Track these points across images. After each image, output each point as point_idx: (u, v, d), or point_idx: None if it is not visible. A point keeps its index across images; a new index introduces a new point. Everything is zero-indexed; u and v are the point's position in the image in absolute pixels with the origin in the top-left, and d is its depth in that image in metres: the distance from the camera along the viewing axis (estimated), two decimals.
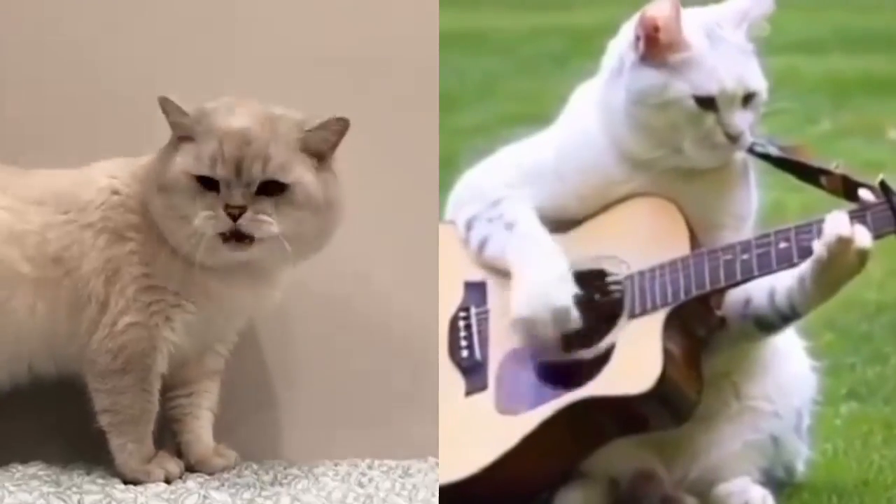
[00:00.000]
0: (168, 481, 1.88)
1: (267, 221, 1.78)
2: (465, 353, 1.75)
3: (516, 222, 1.75)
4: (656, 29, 1.67)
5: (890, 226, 1.64)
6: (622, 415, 1.65)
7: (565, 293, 1.70)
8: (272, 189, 1.78)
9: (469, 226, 1.78)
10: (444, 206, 1.84)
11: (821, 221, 1.64)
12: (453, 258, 1.79)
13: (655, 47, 1.67)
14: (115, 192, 1.89)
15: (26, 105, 2.10)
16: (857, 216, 1.64)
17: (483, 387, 1.72)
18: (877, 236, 1.63)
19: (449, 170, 1.89)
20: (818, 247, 1.62)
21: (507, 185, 1.78)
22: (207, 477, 1.93)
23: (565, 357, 1.70)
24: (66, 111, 2.10)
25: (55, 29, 2.10)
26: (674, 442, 1.73)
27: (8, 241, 1.86)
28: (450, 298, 1.78)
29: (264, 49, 2.06)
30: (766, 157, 1.74)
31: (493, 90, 3.32)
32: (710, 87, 1.67)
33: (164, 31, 2.09)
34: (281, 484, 1.88)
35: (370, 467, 1.98)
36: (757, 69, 1.69)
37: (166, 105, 1.82)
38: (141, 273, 1.86)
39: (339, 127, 1.81)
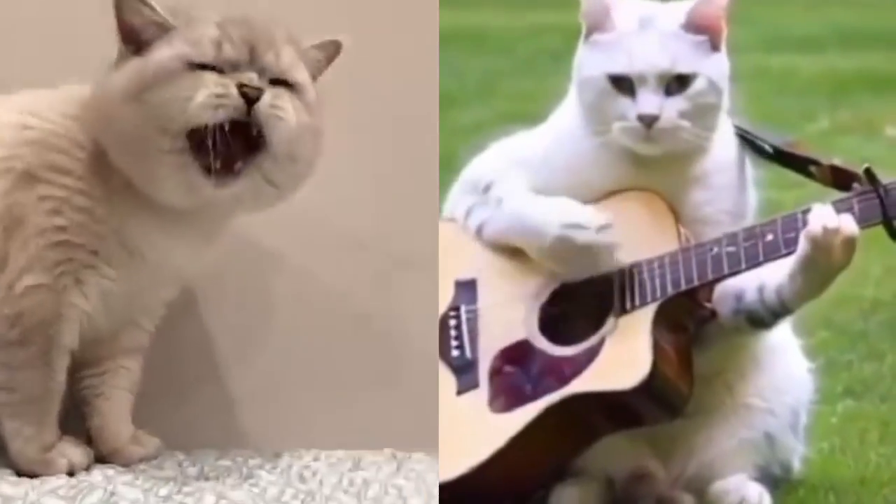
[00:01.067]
0: (72, 473, 1.60)
1: (286, 109, 1.52)
2: (455, 353, 1.75)
3: (508, 195, 1.75)
4: (597, 8, 1.68)
5: (877, 216, 1.63)
6: (613, 410, 1.66)
7: (588, 210, 1.69)
8: (279, 85, 1.56)
9: (468, 213, 1.79)
10: (443, 206, 1.84)
11: (807, 212, 1.63)
12: (445, 257, 1.79)
13: (591, 26, 1.69)
14: (27, 127, 1.59)
15: None
16: (843, 206, 1.63)
17: (474, 385, 1.72)
18: (864, 226, 1.62)
19: (448, 168, 1.89)
20: (803, 239, 1.62)
21: (495, 170, 1.78)
22: (120, 469, 1.65)
23: (554, 352, 1.71)
24: None
25: None
26: (669, 439, 1.74)
27: None
28: (441, 298, 1.78)
29: None
30: (758, 150, 1.74)
31: (492, 89, 3.32)
32: (622, 66, 1.67)
33: None
34: (207, 478, 1.62)
35: (315, 459, 1.76)
36: (694, 56, 1.67)
37: (126, 2, 1.53)
38: (51, 225, 1.56)
39: (333, 49, 1.66)
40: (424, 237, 1.85)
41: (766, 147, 1.74)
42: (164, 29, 1.55)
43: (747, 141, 1.75)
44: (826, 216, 1.61)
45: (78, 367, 1.70)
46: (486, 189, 1.77)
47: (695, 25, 1.68)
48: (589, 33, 1.70)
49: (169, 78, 1.52)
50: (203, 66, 1.52)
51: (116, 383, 1.74)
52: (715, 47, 1.69)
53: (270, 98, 1.52)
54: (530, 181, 1.76)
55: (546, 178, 1.75)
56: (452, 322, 1.77)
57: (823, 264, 1.62)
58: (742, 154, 1.76)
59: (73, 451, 1.64)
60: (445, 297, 1.78)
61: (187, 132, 1.53)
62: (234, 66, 1.53)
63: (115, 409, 1.74)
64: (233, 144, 1.54)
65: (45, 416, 1.62)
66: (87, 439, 1.72)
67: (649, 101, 1.67)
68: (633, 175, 1.72)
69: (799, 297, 1.66)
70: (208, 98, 1.49)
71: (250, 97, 1.51)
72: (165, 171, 1.54)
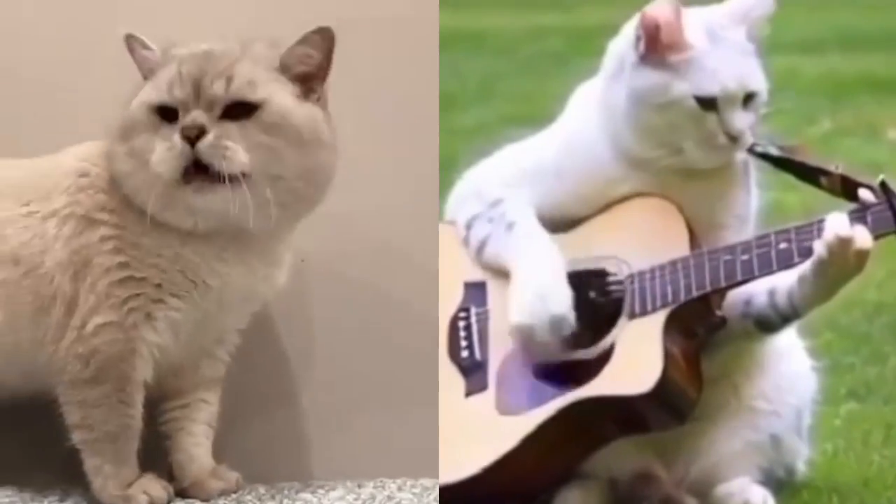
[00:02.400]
0: None
1: (231, 147, 1.55)
2: (465, 354, 1.75)
3: (516, 223, 1.74)
4: (657, 28, 1.66)
5: (890, 226, 1.64)
6: (623, 415, 1.65)
7: (563, 300, 1.69)
8: (239, 113, 1.58)
9: (469, 225, 1.78)
10: (443, 207, 1.84)
11: (821, 222, 1.64)
12: (453, 258, 1.79)
13: (656, 47, 1.67)
14: (84, 175, 1.67)
15: None
16: (856, 216, 1.64)
17: (483, 387, 1.72)
18: (876, 236, 1.63)
19: (448, 170, 1.89)
20: (818, 247, 1.62)
21: (506, 184, 1.77)
22: (200, 503, 1.72)
23: (565, 357, 1.70)
24: (28, 97, 1.94)
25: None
26: (673, 442, 1.73)
27: None
28: (450, 299, 1.78)
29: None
30: (766, 156, 1.73)
31: (493, 90, 3.32)
32: (711, 88, 1.66)
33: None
34: None
35: (400, 489, 1.80)
36: (758, 69, 1.69)
37: (132, 42, 1.64)
38: (115, 263, 1.63)
39: (322, 40, 1.63)
40: (424, 238, 1.84)
41: (774, 153, 1.73)
42: (152, 68, 1.65)
43: (754, 146, 1.74)
44: (841, 226, 1.62)
45: (157, 402, 1.74)
46: (494, 204, 1.77)
47: (752, 35, 1.68)
48: (650, 55, 1.67)
49: (136, 126, 1.61)
50: (162, 109, 1.60)
51: (196, 417, 1.77)
52: (759, 53, 1.69)
53: (212, 138, 1.56)
54: (540, 194, 1.75)
55: (555, 186, 1.75)
56: (462, 323, 1.76)
57: (836, 272, 1.63)
58: (746, 157, 1.75)
59: (153, 487, 1.68)
60: (454, 298, 1.77)
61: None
62: (184, 106, 1.58)
63: (195, 443, 1.77)
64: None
65: (123, 452, 1.67)
66: (169, 474, 1.76)
67: (738, 119, 1.67)
68: (646, 180, 1.71)
69: (809, 302, 1.67)
70: (160, 154, 1.57)
71: (189, 138, 1.56)
72: (162, 204, 1.60)
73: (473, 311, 1.77)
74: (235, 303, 1.71)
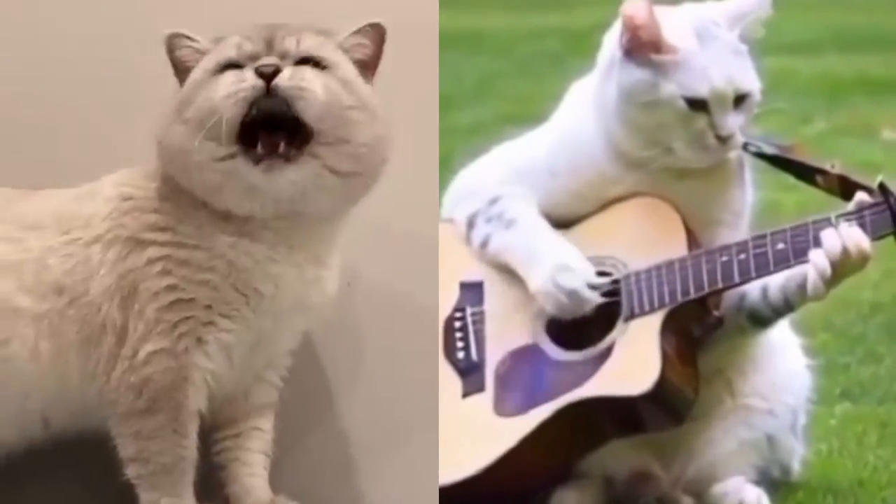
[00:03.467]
0: None
1: (308, 84, 1.52)
2: (461, 355, 1.75)
3: (516, 220, 1.75)
4: (637, 26, 1.66)
5: (888, 227, 1.64)
6: (620, 415, 1.66)
7: (580, 276, 1.69)
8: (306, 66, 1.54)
9: (470, 224, 1.78)
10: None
11: (817, 222, 1.64)
12: (448, 257, 1.79)
13: (638, 44, 1.66)
14: (127, 198, 1.63)
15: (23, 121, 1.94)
16: (855, 218, 1.64)
17: (480, 388, 1.72)
18: (875, 238, 1.63)
19: (445, 169, 1.89)
20: (820, 259, 1.62)
21: (501, 182, 1.77)
22: None
23: (562, 357, 1.71)
24: (68, 122, 1.93)
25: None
26: (670, 441, 1.74)
27: (2, 274, 1.60)
28: (445, 299, 1.78)
29: None
30: (761, 155, 1.74)
31: (490, 90, 3.32)
32: (700, 89, 1.66)
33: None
34: None
35: None
36: (750, 70, 1.68)
37: (176, 40, 1.60)
38: (163, 286, 1.58)
39: (376, 33, 1.62)
40: (424, 238, 1.84)
41: (770, 151, 1.73)
42: (204, 55, 1.60)
43: (748, 144, 1.75)
44: (849, 235, 1.62)
45: (211, 432, 1.69)
46: (492, 202, 1.77)
47: (743, 36, 1.68)
48: (633, 51, 1.67)
49: (197, 88, 1.56)
50: (226, 67, 1.55)
51: (251, 446, 1.72)
52: (751, 54, 1.69)
53: (290, 73, 1.53)
54: (535, 192, 1.75)
55: (550, 184, 1.75)
56: (458, 324, 1.77)
57: (838, 274, 1.63)
58: (741, 153, 1.75)
59: None
60: (449, 298, 1.78)
61: (235, 136, 1.55)
62: (254, 58, 1.55)
63: (251, 473, 1.71)
64: (277, 135, 1.55)
65: (180, 485, 1.61)
66: None
67: (728, 120, 1.66)
68: (641, 180, 1.71)
69: (805, 297, 1.66)
70: (226, 89, 1.52)
71: (265, 74, 1.52)
72: (220, 177, 1.55)
73: (469, 311, 1.77)
74: (288, 313, 1.65)
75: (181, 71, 1.62)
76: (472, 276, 1.77)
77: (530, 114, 1.85)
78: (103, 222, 1.62)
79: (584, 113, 1.74)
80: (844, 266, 1.62)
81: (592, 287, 1.68)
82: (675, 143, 1.68)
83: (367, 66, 1.63)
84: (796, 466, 1.80)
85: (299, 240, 1.62)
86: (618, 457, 1.73)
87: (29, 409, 1.62)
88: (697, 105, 1.66)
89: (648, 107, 1.67)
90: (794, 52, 3.42)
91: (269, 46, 1.55)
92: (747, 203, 1.76)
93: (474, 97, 3.20)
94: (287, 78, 1.53)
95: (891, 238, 1.66)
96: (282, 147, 1.54)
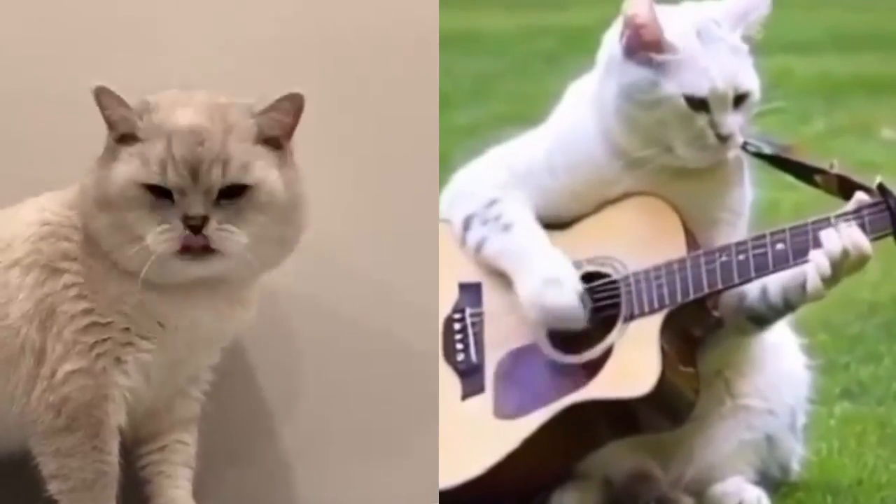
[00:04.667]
0: None
1: (234, 233, 1.57)
2: (460, 356, 1.75)
3: (513, 224, 1.74)
4: (638, 25, 1.66)
5: (887, 227, 1.64)
6: (620, 417, 1.66)
7: (568, 292, 1.69)
8: (232, 194, 1.59)
9: (466, 226, 1.78)
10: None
11: (816, 222, 1.64)
12: (447, 259, 1.79)
13: (639, 43, 1.66)
14: (45, 223, 1.65)
15: None
16: (854, 218, 1.64)
17: (480, 390, 1.72)
18: (874, 238, 1.63)
19: (443, 169, 1.89)
20: (821, 260, 1.62)
21: (499, 185, 1.77)
22: None
23: (563, 359, 1.70)
24: None
25: None
26: (670, 442, 1.73)
27: None
28: (444, 300, 1.78)
29: (265, 46, 2.05)
30: (760, 155, 1.74)
31: (487, 90, 3.32)
32: (701, 88, 1.66)
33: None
34: None
35: None
36: (750, 70, 1.68)
37: (104, 97, 1.59)
38: (80, 310, 1.61)
39: (291, 105, 1.62)
40: (424, 238, 1.84)
41: (769, 151, 1.73)
42: (130, 124, 1.60)
43: (747, 144, 1.74)
44: (851, 235, 1.62)
45: (134, 447, 1.72)
46: (489, 205, 1.76)
47: (746, 35, 1.68)
48: (634, 51, 1.66)
49: (125, 202, 1.58)
50: (154, 186, 1.58)
51: (175, 459, 1.74)
52: (751, 53, 1.69)
53: (217, 224, 1.57)
54: (534, 194, 1.75)
55: (549, 184, 1.74)
56: (457, 325, 1.76)
57: (837, 273, 1.62)
58: (740, 153, 1.75)
59: None
60: (448, 299, 1.77)
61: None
62: (181, 190, 1.57)
63: (175, 486, 1.73)
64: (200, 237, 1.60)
65: (101, 500, 1.63)
66: None
67: (728, 119, 1.66)
68: (640, 179, 1.71)
69: (804, 297, 1.66)
70: (158, 236, 1.56)
71: (196, 227, 1.56)
72: (142, 264, 1.58)
73: (468, 312, 1.76)
74: (204, 344, 1.70)
75: (109, 123, 1.62)
76: (471, 276, 1.77)
77: (528, 114, 1.84)
78: (22, 245, 1.65)
79: (582, 112, 1.74)
80: (844, 266, 1.62)
81: (582, 300, 1.68)
82: (674, 143, 1.67)
83: (282, 142, 1.64)
84: (796, 466, 1.80)
85: (219, 286, 1.65)
86: (617, 458, 1.73)
87: None
88: (698, 104, 1.66)
89: (648, 106, 1.67)
90: (793, 51, 3.42)
91: (194, 179, 1.57)
92: (747, 203, 1.75)
93: (472, 97, 3.20)
94: (214, 230, 1.57)
95: (890, 238, 1.65)
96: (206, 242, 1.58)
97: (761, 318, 1.70)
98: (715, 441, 1.74)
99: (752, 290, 1.69)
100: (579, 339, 1.70)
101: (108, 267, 1.62)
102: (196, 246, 1.57)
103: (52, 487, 1.64)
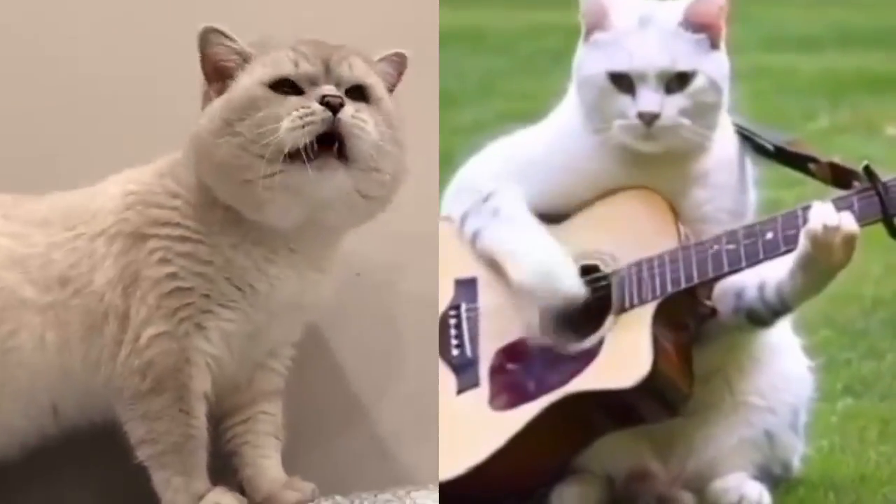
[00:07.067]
0: None
1: (367, 122, 1.57)
2: (455, 352, 1.75)
3: (509, 216, 1.75)
4: (594, 3, 1.69)
5: (877, 213, 1.63)
6: (614, 408, 1.66)
7: (564, 265, 1.70)
8: (358, 97, 1.60)
9: (464, 218, 1.79)
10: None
11: (807, 209, 1.63)
12: (444, 255, 1.80)
13: (593, 23, 1.69)
14: (130, 193, 1.67)
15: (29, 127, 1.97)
16: (843, 203, 1.63)
17: (475, 384, 1.72)
18: (864, 224, 1.62)
19: (447, 168, 1.89)
20: (803, 236, 1.61)
21: (497, 177, 1.78)
22: None
23: (556, 351, 1.71)
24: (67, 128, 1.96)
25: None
26: (670, 437, 1.74)
27: (8, 267, 1.65)
28: (441, 296, 1.78)
29: None
30: (758, 149, 1.74)
31: (492, 88, 3.32)
32: (622, 63, 1.67)
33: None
34: None
35: None
36: (693, 52, 1.67)
37: (212, 35, 1.61)
38: (163, 274, 1.62)
39: (399, 62, 1.70)
40: (424, 237, 1.85)
41: (767, 145, 1.74)
42: (244, 59, 1.62)
43: (747, 139, 1.76)
44: (826, 214, 1.61)
45: (220, 420, 1.73)
46: (487, 197, 1.77)
47: (693, 23, 1.68)
48: (588, 32, 1.70)
49: (253, 104, 1.57)
50: (283, 84, 1.58)
51: (260, 429, 1.75)
52: (714, 45, 1.69)
53: (352, 110, 1.57)
54: (531, 187, 1.76)
55: (545, 177, 1.75)
56: (453, 321, 1.77)
57: (823, 262, 1.62)
58: (742, 153, 1.76)
59: (227, 499, 1.64)
60: (444, 295, 1.78)
61: (283, 156, 1.57)
62: (312, 81, 1.58)
63: (263, 455, 1.74)
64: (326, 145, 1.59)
65: (191, 464, 1.64)
66: (240, 491, 1.72)
67: (650, 98, 1.67)
68: (633, 173, 1.72)
69: (799, 294, 1.66)
70: (294, 121, 1.54)
71: (334, 106, 1.55)
72: (268, 194, 1.58)
73: (464, 307, 1.77)
74: (283, 311, 1.69)
75: (214, 68, 1.63)
76: (467, 272, 1.78)
77: (532, 111, 1.85)
78: (108, 216, 1.67)
79: (575, 106, 1.75)
80: (829, 250, 1.60)
81: (576, 284, 1.69)
82: (613, 123, 1.69)
83: (390, 93, 1.69)
84: (797, 464, 1.80)
85: (303, 245, 1.67)
86: (617, 455, 1.73)
87: (37, 398, 1.66)
88: (620, 81, 1.67)
89: (583, 83, 1.70)
90: (796, 49, 3.42)
91: (327, 69, 1.58)
92: (749, 205, 1.75)
93: (476, 95, 3.20)
94: (350, 115, 1.56)
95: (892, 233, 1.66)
96: (334, 151, 1.58)
97: (760, 318, 1.70)
98: (715, 437, 1.74)
99: (750, 288, 1.69)
100: (572, 331, 1.70)
101: (206, 224, 1.63)
102: (331, 131, 1.54)
103: (142, 453, 1.65)
